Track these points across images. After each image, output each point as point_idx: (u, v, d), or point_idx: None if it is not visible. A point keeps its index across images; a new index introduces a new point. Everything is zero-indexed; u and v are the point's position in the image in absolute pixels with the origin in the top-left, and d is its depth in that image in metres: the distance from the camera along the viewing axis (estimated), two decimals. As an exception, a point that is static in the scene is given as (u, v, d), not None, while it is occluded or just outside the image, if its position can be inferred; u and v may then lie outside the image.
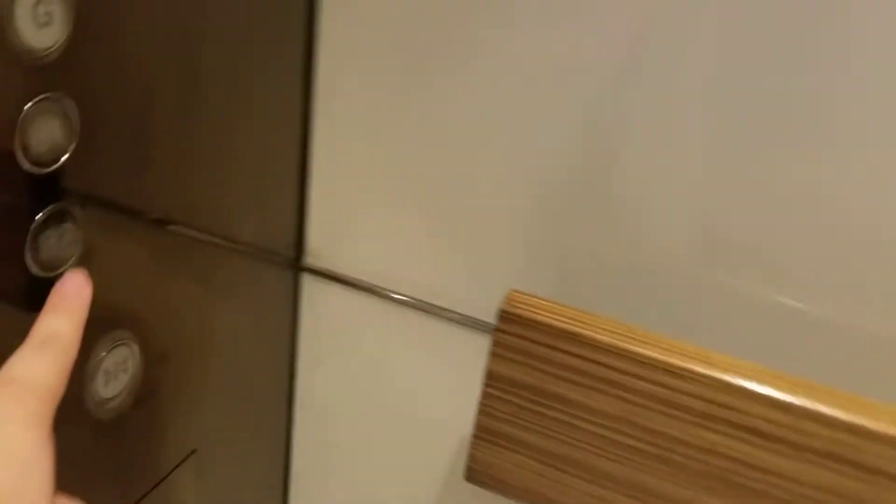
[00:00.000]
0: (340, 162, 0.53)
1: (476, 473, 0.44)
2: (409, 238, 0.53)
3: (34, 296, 0.31)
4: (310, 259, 0.56)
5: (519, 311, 0.41)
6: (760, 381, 0.38)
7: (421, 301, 0.53)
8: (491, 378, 0.43)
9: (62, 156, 0.32)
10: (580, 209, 0.46)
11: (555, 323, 0.41)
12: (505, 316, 0.41)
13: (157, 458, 0.45)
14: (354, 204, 0.53)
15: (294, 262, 0.56)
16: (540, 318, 0.41)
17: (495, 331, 0.42)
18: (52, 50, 0.30)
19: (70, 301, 0.29)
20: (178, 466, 0.47)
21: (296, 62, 0.50)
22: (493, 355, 0.42)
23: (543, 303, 0.42)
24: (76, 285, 0.30)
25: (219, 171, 0.46)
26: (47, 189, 0.32)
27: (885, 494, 0.36)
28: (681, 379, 0.38)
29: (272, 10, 0.46)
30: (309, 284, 0.57)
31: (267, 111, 0.49)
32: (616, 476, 0.42)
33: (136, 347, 0.40)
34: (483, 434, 0.44)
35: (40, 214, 0.32)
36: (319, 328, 0.58)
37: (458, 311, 0.52)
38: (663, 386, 0.38)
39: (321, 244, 0.55)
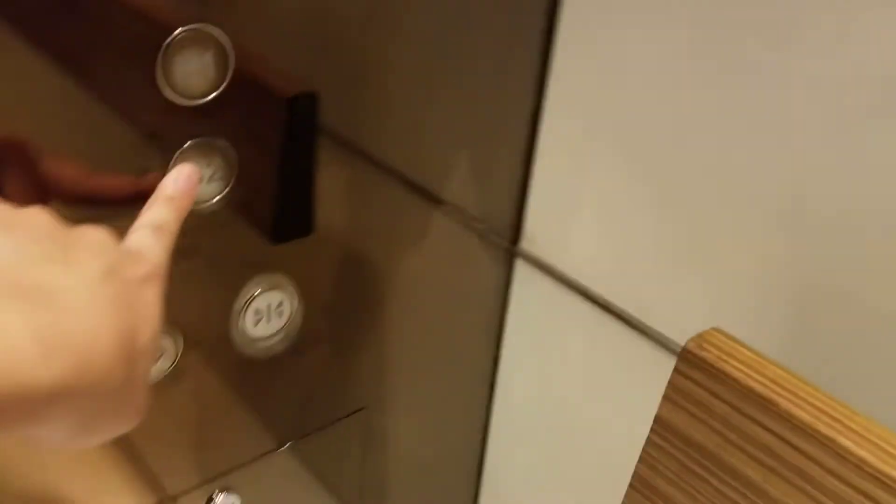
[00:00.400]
0: (570, 149, 0.47)
1: (624, 529, 0.38)
2: (636, 243, 0.46)
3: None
4: (525, 244, 0.52)
5: (706, 356, 0.33)
6: None
7: (635, 318, 0.47)
8: (659, 425, 0.35)
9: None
10: (838, 243, 0.36)
11: (747, 381, 0.32)
12: (688, 356, 0.34)
13: (316, 408, 0.45)
14: (579, 196, 0.48)
15: (510, 245, 0.52)
16: (729, 369, 0.33)
17: (674, 372, 0.34)
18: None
19: (180, 195, 0.29)
20: (338, 420, 0.46)
21: (534, 37, 0.45)
22: (666, 399, 0.35)
23: (743, 351, 0.33)
24: (188, 181, 0.30)
25: (447, 134, 0.44)
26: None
27: None
28: (892, 493, 0.28)
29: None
30: (521, 270, 0.53)
31: (500, 89, 0.46)
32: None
33: (294, 293, 0.39)
34: (639, 486, 0.37)
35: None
36: (527, 319, 0.54)
37: (674, 338, 0.45)
38: (866, 495, 0.28)
39: (538, 232, 0.51)
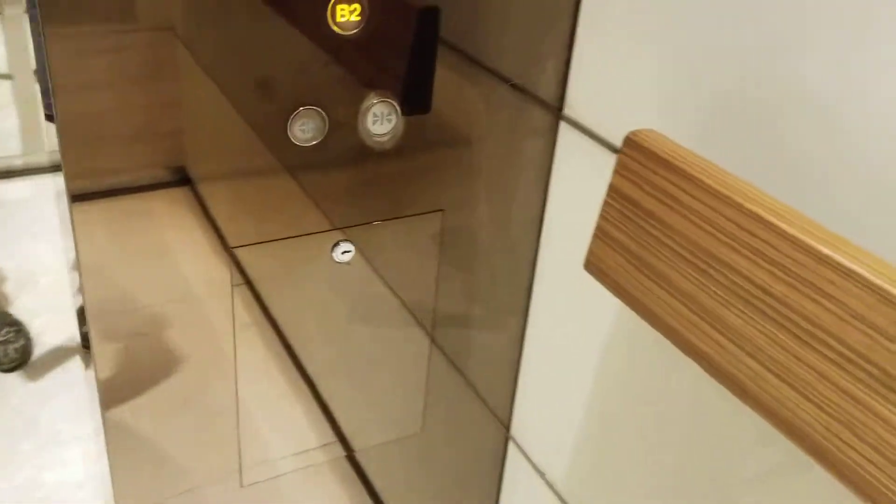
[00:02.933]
0: (606, 14, 0.66)
1: (591, 264, 0.58)
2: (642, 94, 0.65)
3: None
4: (567, 110, 0.72)
5: (641, 142, 0.53)
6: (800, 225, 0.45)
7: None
8: (612, 191, 0.56)
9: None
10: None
11: (665, 156, 0.52)
12: (629, 142, 0.54)
13: (408, 196, 0.68)
14: (616, 67, 0.67)
15: (556, 110, 0.72)
16: (658, 151, 0.52)
17: (620, 154, 0.54)
18: None
19: None
20: (422, 214, 0.69)
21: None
22: (616, 173, 0.55)
23: (669, 142, 0.53)
24: None
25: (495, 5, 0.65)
26: None
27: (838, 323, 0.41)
28: (747, 217, 0.47)
29: None
30: (565, 134, 0.73)
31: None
32: (681, 288, 0.52)
33: (399, 111, 0.62)
34: (600, 234, 0.57)
35: None
36: (568, 169, 0.74)
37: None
38: (750, 232, 0.47)
39: (581, 98, 0.71)
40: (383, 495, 0.89)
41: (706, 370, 0.50)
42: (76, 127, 0.54)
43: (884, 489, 0.41)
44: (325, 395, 0.76)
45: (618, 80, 0.66)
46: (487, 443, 0.93)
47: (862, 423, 0.42)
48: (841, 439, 0.43)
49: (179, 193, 0.60)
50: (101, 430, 0.65)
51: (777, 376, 0.46)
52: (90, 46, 0.52)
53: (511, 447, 0.93)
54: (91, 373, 0.63)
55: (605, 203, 0.56)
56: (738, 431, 0.60)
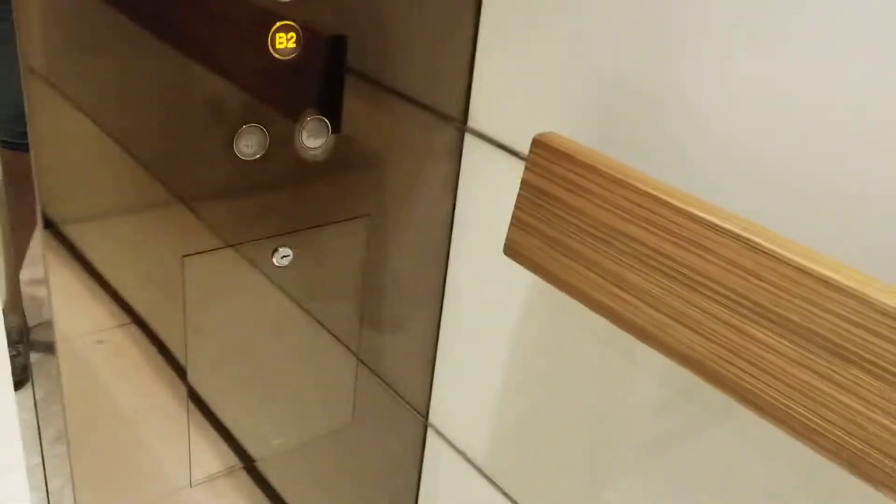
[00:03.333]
0: (502, 39, 0.77)
1: (509, 249, 0.68)
2: (548, 107, 0.76)
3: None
4: (471, 122, 0.82)
5: (546, 141, 0.64)
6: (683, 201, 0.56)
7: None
8: (524, 184, 0.66)
9: None
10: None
11: (566, 152, 0.63)
12: (536, 142, 0.64)
13: (339, 204, 0.76)
14: (513, 81, 0.78)
15: (461, 123, 0.82)
16: (560, 148, 0.63)
17: (529, 152, 0.65)
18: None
19: None
20: (351, 219, 0.77)
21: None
22: (527, 170, 0.65)
23: (569, 141, 0.64)
24: None
25: (402, 35, 0.74)
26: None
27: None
28: (639, 195, 0.58)
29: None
30: (469, 143, 0.83)
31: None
32: (589, 258, 0.62)
33: (330, 128, 0.70)
34: (516, 222, 0.67)
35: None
36: (474, 175, 0.84)
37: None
38: (624, 198, 0.58)
39: (482, 110, 0.81)
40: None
41: (615, 322, 0.61)
42: None
43: (762, 394, 0.53)
44: (236, 409, 0.82)
45: (515, 94, 0.77)
46: (406, 434, 1.01)
47: (743, 346, 0.53)
48: (727, 361, 0.54)
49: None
50: None
51: (674, 319, 0.57)
52: None
53: (430, 434, 1.01)
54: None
55: (519, 195, 0.66)
56: (641, 382, 0.72)
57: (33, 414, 0.67)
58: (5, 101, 0.67)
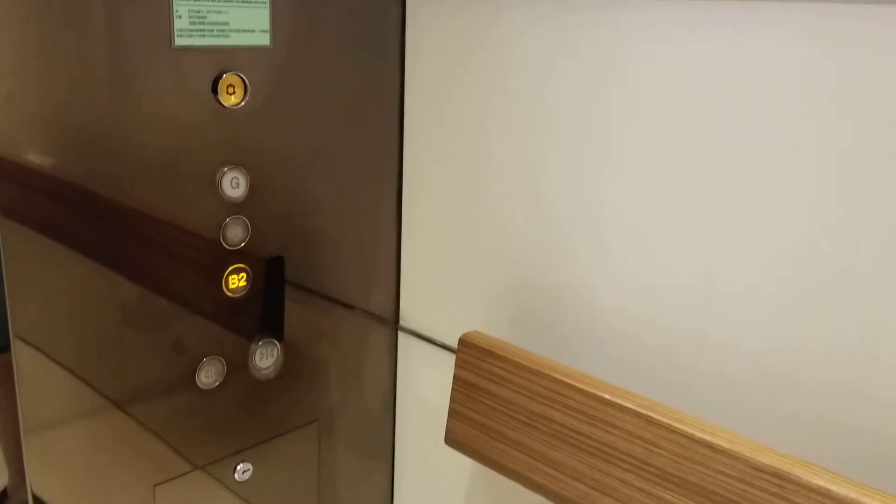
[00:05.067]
0: (422, 250, 0.89)
1: (449, 438, 0.76)
2: (468, 310, 0.87)
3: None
4: (402, 322, 0.92)
5: (471, 341, 0.74)
6: (600, 389, 0.66)
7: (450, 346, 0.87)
8: (456, 380, 0.75)
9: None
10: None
11: (489, 348, 0.73)
12: (463, 342, 0.74)
13: (290, 414, 0.83)
14: (435, 284, 0.89)
15: (394, 323, 0.92)
16: (484, 346, 0.73)
17: (458, 351, 0.75)
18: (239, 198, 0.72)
19: None
20: (302, 426, 0.84)
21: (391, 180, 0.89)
22: (457, 366, 0.75)
23: (491, 338, 0.74)
24: None
25: (335, 248, 0.85)
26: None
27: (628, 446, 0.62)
28: (554, 382, 0.68)
29: (373, 149, 0.86)
30: (403, 341, 0.93)
31: (371, 209, 0.88)
32: (522, 442, 0.71)
33: (279, 347, 0.79)
34: (452, 413, 0.76)
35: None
36: (408, 363, 0.93)
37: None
38: (542, 386, 0.68)
39: (412, 310, 0.91)
40: None
41: (550, 498, 0.69)
42: None
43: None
44: None
45: (438, 294, 0.88)
46: None
47: (655, 507, 0.62)
48: (646, 522, 0.63)
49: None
50: None
51: (596, 490, 0.65)
52: None
53: None
54: None
55: (453, 390, 0.76)
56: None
57: None
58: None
